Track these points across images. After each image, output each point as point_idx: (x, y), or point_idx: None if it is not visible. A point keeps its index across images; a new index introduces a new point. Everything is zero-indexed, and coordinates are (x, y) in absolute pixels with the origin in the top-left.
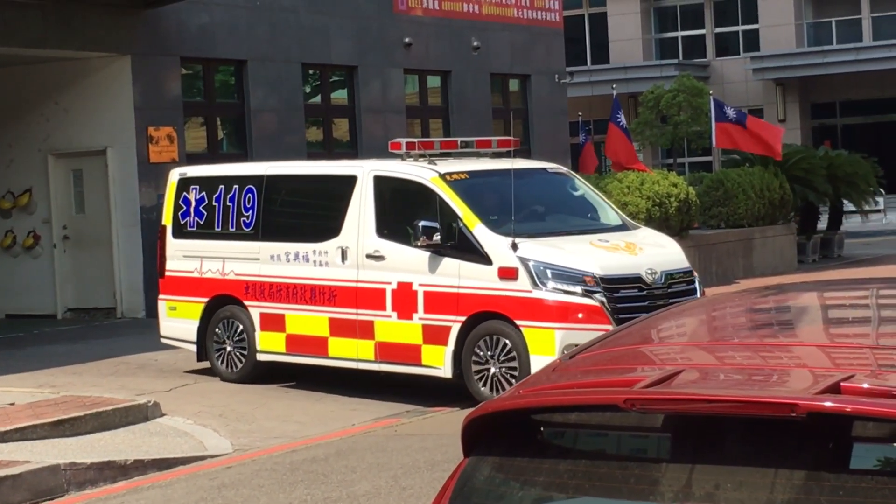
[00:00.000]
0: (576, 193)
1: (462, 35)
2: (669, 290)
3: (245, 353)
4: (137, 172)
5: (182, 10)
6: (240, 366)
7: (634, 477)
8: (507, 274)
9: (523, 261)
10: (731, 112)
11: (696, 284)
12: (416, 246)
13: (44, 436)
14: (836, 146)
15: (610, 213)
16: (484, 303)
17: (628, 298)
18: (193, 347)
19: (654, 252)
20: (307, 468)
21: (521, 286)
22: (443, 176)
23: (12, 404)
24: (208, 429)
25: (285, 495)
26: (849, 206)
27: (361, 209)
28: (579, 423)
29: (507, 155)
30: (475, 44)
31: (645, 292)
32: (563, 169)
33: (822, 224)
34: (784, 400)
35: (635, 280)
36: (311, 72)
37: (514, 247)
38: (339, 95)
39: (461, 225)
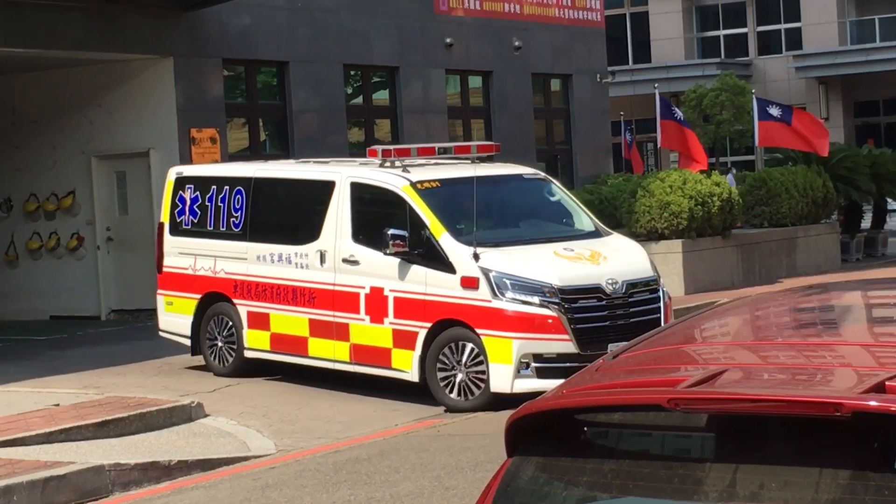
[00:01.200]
0: (552, 199)
1: (503, 35)
2: (630, 300)
3: (234, 349)
4: None
5: (224, 11)
6: (230, 361)
7: (678, 477)
8: (469, 283)
9: (484, 271)
10: (775, 111)
11: (661, 293)
12: (386, 253)
13: (88, 436)
14: (879, 144)
15: (584, 220)
16: (448, 310)
17: (587, 309)
18: (188, 342)
19: (618, 261)
20: (350, 468)
21: (482, 295)
22: (413, 184)
23: (57, 405)
24: (252, 429)
25: (329, 496)
26: (892, 204)
27: (339, 214)
28: (623, 423)
29: (491, 160)
30: (516, 44)
31: (604, 302)
32: (542, 174)
33: (866, 223)
34: (828, 399)
35: (595, 290)
36: (352, 73)
37: (476, 257)
38: (381, 96)
39: (428, 233)
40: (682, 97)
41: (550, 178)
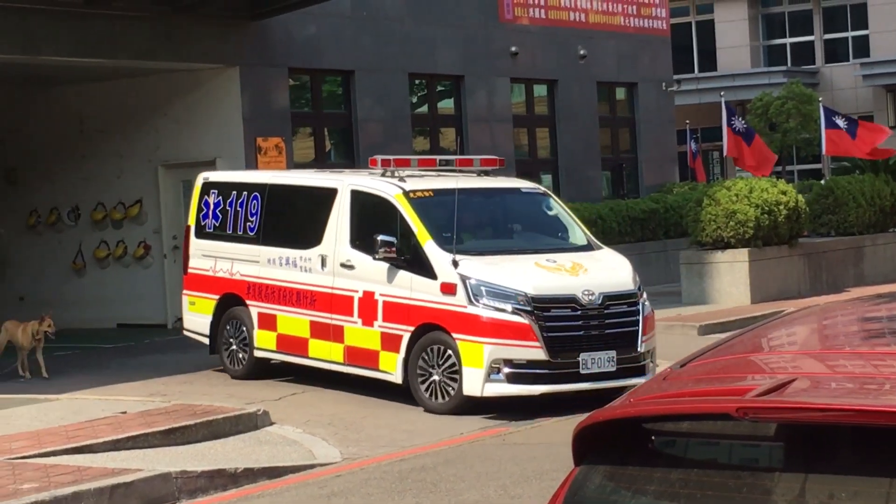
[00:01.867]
0: (547, 213)
1: (568, 44)
2: (606, 312)
3: (248, 351)
4: None
5: (289, 21)
6: (244, 363)
7: (747, 486)
8: (448, 289)
9: (462, 277)
10: (841, 122)
11: (640, 306)
12: (375, 258)
13: (155, 444)
14: None
15: (577, 234)
16: (429, 315)
17: (560, 318)
18: (207, 340)
19: (598, 274)
20: (416, 477)
21: (459, 301)
22: (406, 193)
23: (124, 413)
24: (317, 437)
25: None
26: None
27: (339, 220)
28: (691, 432)
29: (499, 173)
30: (582, 52)
31: (579, 312)
32: (541, 189)
33: None
34: None
35: (569, 300)
36: (417, 81)
37: (455, 264)
38: (446, 105)
39: (415, 240)
40: (749, 105)
41: (549, 192)
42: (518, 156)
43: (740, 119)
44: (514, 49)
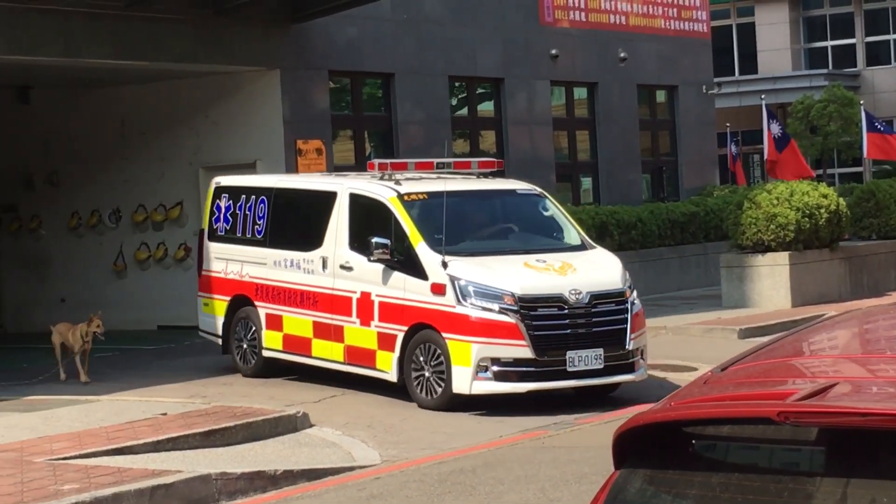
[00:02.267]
0: (543, 214)
1: (609, 46)
2: (593, 311)
3: (256, 350)
4: None
5: (330, 24)
6: (252, 362)
7: (788, 491)
8: (438, 289)
9: (451, 278)
10: (880, 125)
11: (629, 305)
12: (370, 260)
13: (195, 445)
14: None
15: (572, 234)
16: (421, 315)
17: (547, 317)
18: (220, 340)
19: (586, 273)
20: (455, 479)
21: (448, 301)
22: (401, 196)
23: (164, 414)
24: (356, 440)
25: None
26: None
27: (339, 223)
28: (731, 436)
29: (499, 175)
30: (622, 55)
31: (566, 311)
32: (537, 190)
33: None
34: None
35: (556, 300)
36: (457, 84)
37: (444, 265)
38: (486, 107)
39: (408, 242)
40: (790, 109)
41: (546, 194)
42: (558, 158)
43: (777, 123)
44: (554, 52)
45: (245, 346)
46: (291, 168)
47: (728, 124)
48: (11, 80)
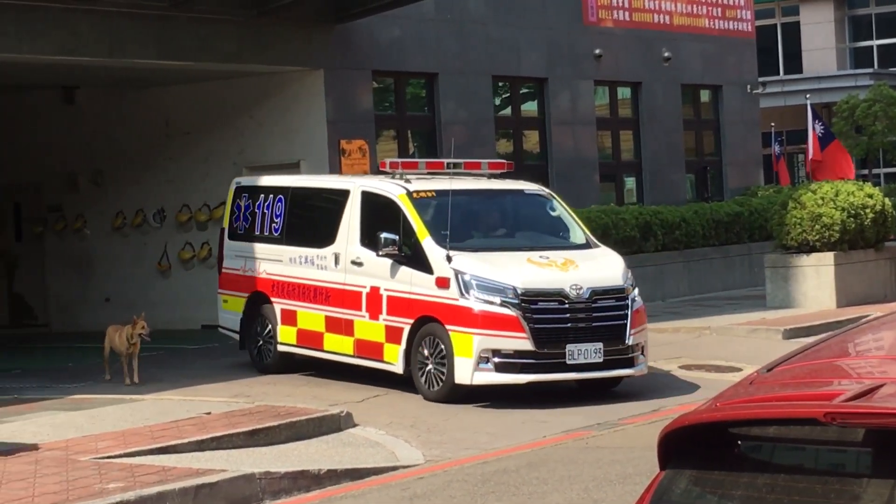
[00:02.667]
0: (549, 213)
1: (653, 46)
2: (594, 306)
3: (272, 347)
4: None
5: (373, 24)
6: (269, 357)
7: (835, 492)
8: (442, 283)
9: (455, 272)
10: None
11: (629, 301)
12: (379, 255)
13: (239, 445)
14: None
15: (577, 233)
16: (426, 308)
17: (547, 311)
18: (238, 336)
19: (588, 269)
20: (498, 479)
21: (452, 294)
22: (409, 193)
23: (209, 413)
24: (400, 439)
25: None
26: None
27: (350, 220)
28: (777, 437)
29: (509, 176)
30: (666, 55)
31: (567, 305)
32: (545, 191)
33: None
34: None
35: (557, 294)
36: (500, 84)
37: (449, 259)
38: (529, 107)
39: (415, 238)
40: (834, 108)
41: (553, 194)
42: (602, 158)
43: (821, 123)
44: (598, 51)
45: (261, 341)
46: (335, 168)
47: (773, 124)
48: (57, 80)
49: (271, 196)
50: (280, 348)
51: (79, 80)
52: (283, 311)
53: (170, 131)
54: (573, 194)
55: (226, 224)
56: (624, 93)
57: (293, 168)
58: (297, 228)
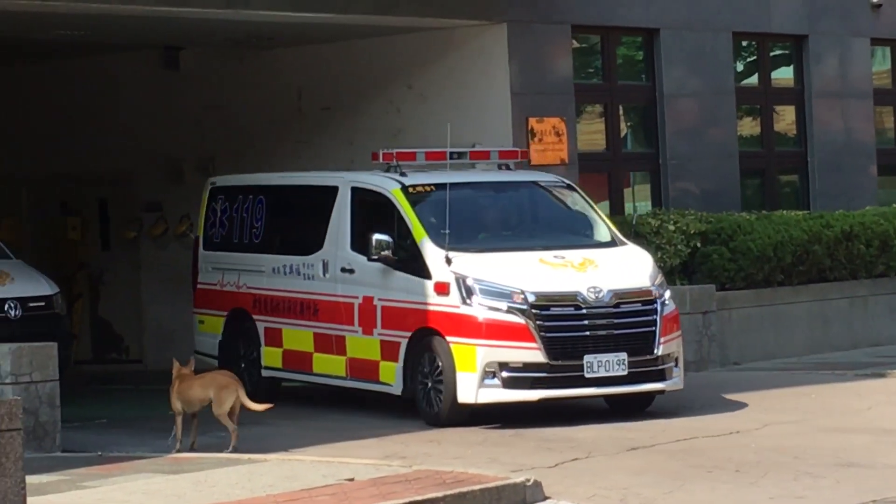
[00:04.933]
0: (568, 207)
1: None
2: (616, 311)
3: (255, 370)
4: None
5: None
6: (251, 384)
7: None
8: (441, 289)
9: (455, 275)
10: None
11: (659, 305)
12: (371, 259)
13: None
14: None
15: (601, 229)
16: (424, 318)
17: (561, 317)
18: (217, 363)
19: (610, 270)
20: None
21: (452, 301)
22: (405, 188)
23: (351, 480)
24: None
25: None
26: None
27: (340, 221)
28: None
29: (521, 167)
30: None
31: (584, 311)
32: (563, 181)
33: None
34: None
35: (572, 298)
36: (744, 44)
37: (448, 261)
38: (782, 75)
39: (412, 238)
40: None
41: (574, 185)
42: (881, 144)
43: None
44: (875, 0)
45: (243, 365)
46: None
47: None
48: (157, 39)
49: (251, 197)
50: (264, 373)
51: (185, 39)
52: (266, 329)
53: (303, 105)
54: (841, 191)
55: (200, 232)
56: None
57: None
58: (280, 233)
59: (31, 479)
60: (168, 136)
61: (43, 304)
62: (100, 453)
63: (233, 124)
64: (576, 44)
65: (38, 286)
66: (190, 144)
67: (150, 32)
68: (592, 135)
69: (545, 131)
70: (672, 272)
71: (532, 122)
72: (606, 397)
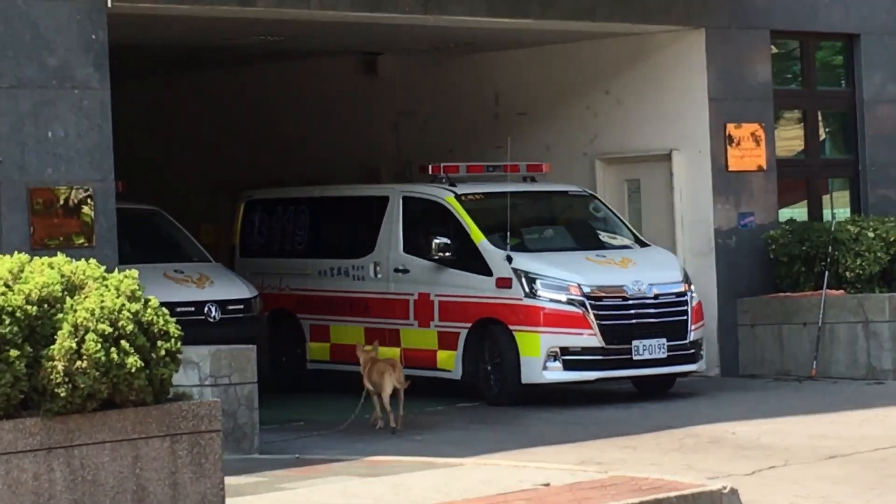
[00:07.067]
0: (595, 214)
1: None
2: (655, 302)
3: (298, 363)
4: (713, 184)
5: None
6: (294, 377)
7: None
8: (504, 284)
9: (516, 272)
10: None
11: (688, 297)
12: (432, 259)
13: None
14: None
15: (625, 233)
16: (485, 310)
17: (612, 307)
18: None
19: (646, 267)
20: None
21: (514, 294)
22: (458, 196)
23: (546, 485)
24: None
25: None
26: None
27: (392, 227)
28: None
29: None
30: None
31: (630, 301)
32: (588, 191)
33: None
34: None
35: (620, 290)
36: None
37: (509, 259)
38: None
39: (469, 240)
40: None
41: (596, 195)
42: None
43: None
44: None
45: (284, 359)
46: (720, 160)
47: None
48: (354, 44)
49: (291, 208)
50: (310, 366)
51: (382, 45)
52: (312, 326)
53: (500, 111)
54: None
55: (236, 241)
56: None
57: (662, 161)
58: (326, 239)
59: (229, 481)
60: (365, 143)
61: (242, 307)
62: (297, 456)
63: (430, 129)
64: (774, 49)
65: (238, 289)
66: (387, 150)
67: (348, 38)
68: (790, 141)
69: (743, 137)
70: (871, 279)
71: (730, 127)
72: (637, 380)
